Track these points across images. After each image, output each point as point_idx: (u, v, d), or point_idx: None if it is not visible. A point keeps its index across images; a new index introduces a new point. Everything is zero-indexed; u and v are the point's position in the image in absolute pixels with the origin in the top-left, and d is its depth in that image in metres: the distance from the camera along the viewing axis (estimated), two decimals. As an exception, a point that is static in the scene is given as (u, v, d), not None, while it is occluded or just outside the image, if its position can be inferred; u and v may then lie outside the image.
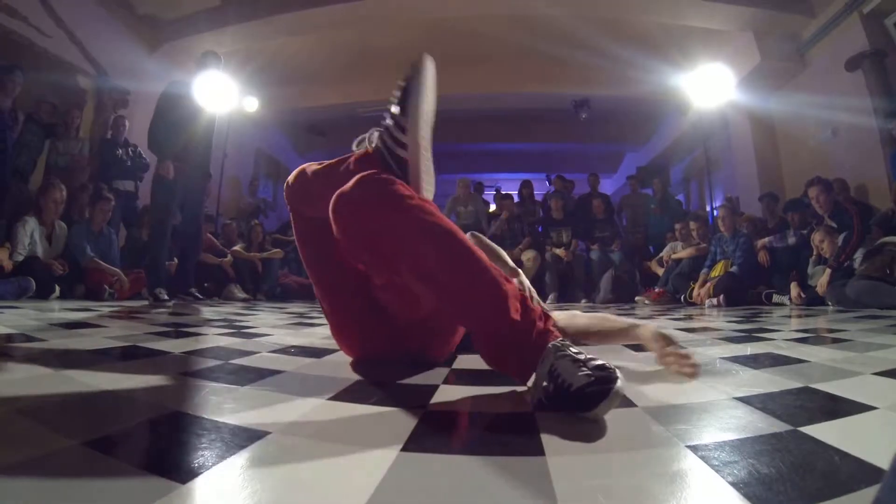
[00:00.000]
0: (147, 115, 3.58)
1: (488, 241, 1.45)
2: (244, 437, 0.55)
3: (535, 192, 6.57)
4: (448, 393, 0.81)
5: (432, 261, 0.76)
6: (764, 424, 0.61)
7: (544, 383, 0.68)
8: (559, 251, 5.16)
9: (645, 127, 8.16)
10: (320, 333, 1.68)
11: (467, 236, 0.87)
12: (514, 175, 8.98)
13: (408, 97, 0.90)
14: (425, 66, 0.91)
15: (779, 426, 0.60)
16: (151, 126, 3.43)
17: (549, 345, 0.72)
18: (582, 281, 5.09)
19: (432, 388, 0.83)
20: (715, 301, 3.83)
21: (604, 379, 0.61)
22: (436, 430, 0.62)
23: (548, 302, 4.78)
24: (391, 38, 5.80)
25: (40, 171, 4.18)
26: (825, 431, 0.57)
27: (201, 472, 0.45)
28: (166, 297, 3.32)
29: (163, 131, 3.38)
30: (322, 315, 2.61)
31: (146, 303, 3.21)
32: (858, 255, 3.30)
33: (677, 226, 4.98)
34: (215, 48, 4.19)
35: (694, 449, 0.52)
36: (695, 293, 4.03)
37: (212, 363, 1.04)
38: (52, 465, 0.46)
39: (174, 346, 1.23)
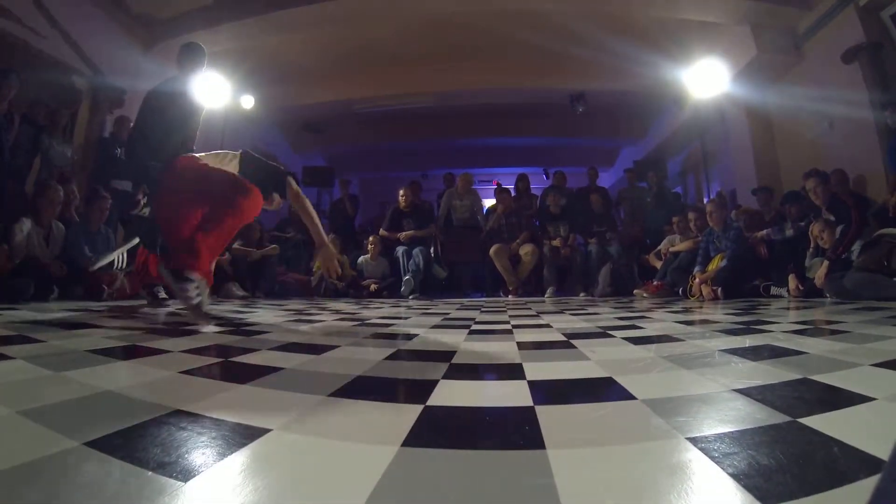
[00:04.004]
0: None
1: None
2: (245, 435, 0.55)
3: (531, 186, 6.57)
4: (448, 388, 0.81)
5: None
6: (763, 416, 0.61)
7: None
8: (555, 242, 5.18)
9: (642, 121, 8.15)
10: (320, 330, 1.68)
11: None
12: (510, 169, 8.97)
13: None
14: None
15: (778, 417, 0.60)
16: (133, 138, 2.55)
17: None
18: (580, 274, 5.09)
19: (432, 383, 0.83)
20: (713, 294, 3.83)
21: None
22: (436, 425, 0.62)
23: (546, 295, 4.78)
24: (386, 34, 5.78)
25: (36, 173, 4.16)
26: (824, 422, 0.57)
27: (202, 471, 0.45)
28: (165, 295, 3.30)
29: (147, 146, 2.38)
30: (321, 311, 2.59)
31: (145, 302, 3.20)
32: (856, 247, 3.31)
33: (675, 219, 4.98)
34: (210, 46, 4.11)
35: (694, 441, 0.52)
36: (694, 289, 4.02)
37: (211, 361, 1.04)
38: (53, 465, 0.46)
39: (174, 344, 1.23)
